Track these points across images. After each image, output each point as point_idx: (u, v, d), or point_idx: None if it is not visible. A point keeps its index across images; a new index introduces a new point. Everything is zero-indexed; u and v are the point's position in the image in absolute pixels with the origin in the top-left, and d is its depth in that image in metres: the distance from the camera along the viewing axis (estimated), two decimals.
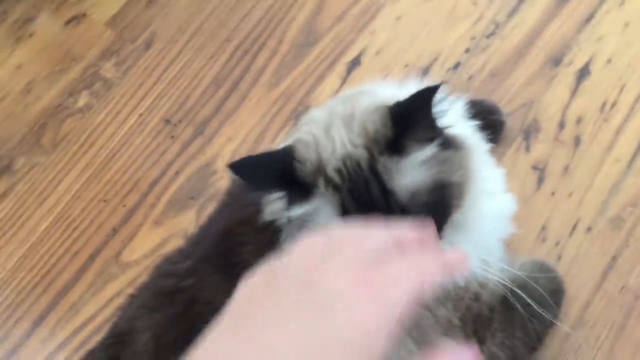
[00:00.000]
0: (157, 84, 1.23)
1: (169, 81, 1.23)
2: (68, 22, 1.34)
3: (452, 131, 0.69)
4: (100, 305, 1.06)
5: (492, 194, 0.76)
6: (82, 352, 1.02)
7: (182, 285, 0.80)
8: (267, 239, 0.75)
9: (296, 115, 1.15)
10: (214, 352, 0.40)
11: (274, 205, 0.75)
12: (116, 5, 1.34)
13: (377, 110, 0.68)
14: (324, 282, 0.41)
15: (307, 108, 1.15)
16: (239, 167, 0.65)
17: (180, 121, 1.19)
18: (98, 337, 1.00)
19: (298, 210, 0.67)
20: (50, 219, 1.14)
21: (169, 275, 0.84)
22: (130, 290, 0.99)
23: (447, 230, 0.69)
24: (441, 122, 0.68)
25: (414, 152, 0.65)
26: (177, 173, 1.15)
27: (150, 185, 1.15)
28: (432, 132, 0.66)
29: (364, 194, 0.65)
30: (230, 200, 0.92)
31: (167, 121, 1.20)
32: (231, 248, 0.77)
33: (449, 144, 0.67)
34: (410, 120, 0.64)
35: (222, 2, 1.29)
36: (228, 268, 0.77)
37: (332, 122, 0.70)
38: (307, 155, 0.67)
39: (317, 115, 0.75)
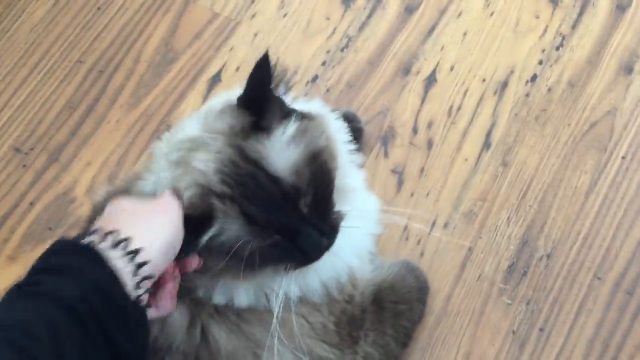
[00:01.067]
0: (4, 111, 1.16)
1: (17, 107, 1.16)
2: None
3: (304, 108, 0.73)
4: None
5: (357, 191, 0.79)
6: None
7: None
8: None
9: (158, 135, 1.13)
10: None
11: None
12: None
13: (221, 111, 0.69)
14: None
15: (169, 127, 1.12)
16: None
17: (32, 149, 1.12)
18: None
19: (204, 238, 0.65)
20: None
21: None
22: None
23: (336, 198, 0.70)
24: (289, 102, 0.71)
25: (276, 131, 0.67)
26: (31, 204, 1.08)
27: (1, 218, 1.07)
28: (283, 107, 0.68)
29: (256, 190, 0.64)
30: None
31: (17, 150, 1.12)
32: None
33: (304, 116, 0.70)
34: (258, 99, 0.66)
35: (71, 23, 1.23)
36: None
37: (180, 159, 0.68)
38: (190, 196, 0.65)
39: (161, 175, 0.70)
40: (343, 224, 0.71)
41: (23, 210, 1.07)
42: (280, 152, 0.66)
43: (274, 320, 0.71)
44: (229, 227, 0.65)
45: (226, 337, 0.73)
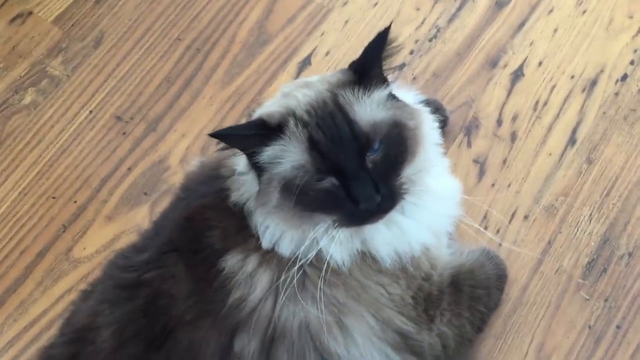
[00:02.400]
0: (108, 82, 1.23)
1: (119, 79, 1.23)
2: (13, 20, 1.32)
3: (401, 95, 0.80)
4: (51, 302, 1.05)
5: (440, 176, 0.82)
6: (33, 349, 1.01)
7: (144, 278, 0.80)
8: (235, 223, 0.78)
9: (249, 113, 1.18)
10: None
11: (243, 188, 0.77)
12: (63, 3, 1.33)
13: (337, 70, 0.79)
14: None
15: (259, 106, 1.17)
16: (218, 134, 0.72)
17: (132, 118, 1.19)
18: (49, 334, 1.00)
19: (269, 152, 0.72)
20: None
21: (128, 269, 0.84)
22: (82, 287, 0.98)
23: (406, 170, 0.74)
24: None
25: (371, 92, 0.74)
26: (129, 169, 1.15)
27: (101, 181, 1.14)
28: (384, 78, 0.76)
29: (330, 125, 0.71)
30: (185, 194, 0.93)
31: (119, 118, 1.20)
32: (197, 232, 0.78)
33: (399, 98, 0.77)
34: (366, 63, 0.74)
35: (173, 2, 1.30)
36: (193, 254, 0.78)
37: (290, 92, 0.78)
38: (273, 110, 0.75)
39: (269, 103, 0.81)
40: (413, 200, 0.75)
41: (121, 175, 1.14)
42: (367, 107, 0.73)
43: (294, 270, 0.74)
44: (290, 150, 0.71)
45: (308, 304, 0.76)
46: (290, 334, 0.74)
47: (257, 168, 0.74)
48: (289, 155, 0.71)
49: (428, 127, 0.80)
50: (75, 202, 1.12)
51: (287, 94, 0.78)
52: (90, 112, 1.20)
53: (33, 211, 1.12)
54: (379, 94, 0.75)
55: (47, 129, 1.20)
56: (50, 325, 1.02)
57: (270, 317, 0.74)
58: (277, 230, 0.77)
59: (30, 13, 1.33)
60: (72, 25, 1.30)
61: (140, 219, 1.10)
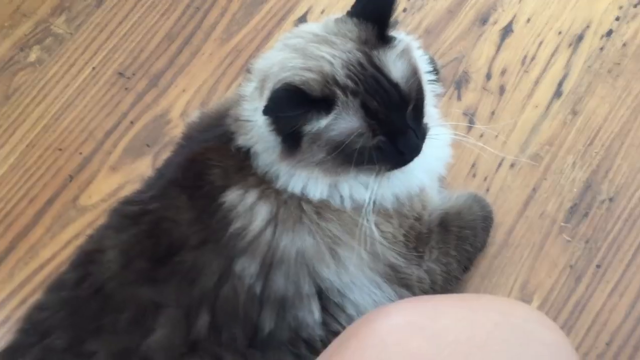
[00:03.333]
0: (110, 39, 1.27)
1: (121, 36, 1.27)
2: None
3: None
4: (59, 247, 1.10)
5: (432, 118, 0.86)
6: (40, 292, 1.05)
7: (148, 208, 0.85)
8: (235, 163, 0.82)
9: (247, 69, 1.22)
10: None
11: (252, 132, 0.81)
12: None
13: (341, 20, 0.79)
14: None
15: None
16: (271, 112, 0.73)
17: (134, 74, 1.24)
18: None
19: (320, 123, 0.74)
20: (5, 167, 1.16)
21: (132, 203, 0.90)
22: (88, 232, 1.03)
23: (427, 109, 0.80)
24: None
25: (393, 43, 0.77)
26: (132, 122, 1.20)
27: (106, 133, 1.19)
28: (393, 23, 0.78)
29: (378, 90, 0.74)
30: (187, 142, 0.98)
31: (121, 74, 1.24)
32: (199, 171, 0.83)
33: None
34: (382, 11, 0.76)
35: None
36: (195, 189, 0.83)
37: (306, 48, 0.77)
38: (306, 76, 0.74)
39: (273, 56, 0.82)
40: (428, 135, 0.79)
41: (124, 128, 1.19)
42: (395, 62, 0.76)
43: (361, 219, 0.80)
44: (345, 119, 0.74)
45: (304, 235, 0.81)
46: (288, 260, 0.79)
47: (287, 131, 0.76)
48: (341, 124, 0.74)
49: (419, 57, 0.84)
50: (81, 153, 1.17)
51: (297, 48, 0.77)
52: (94, 68, 1.25)
53: (40, 162, 1.17)
54: (400, 44, 0.78)
55: (52, 85, 1.24)
56: (58, 268, 1.07)
57: (269, 244, 0.79)
58: (309, 178, 0.81)
59: None
60: None
61: (144, 169, 1.15)
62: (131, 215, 0.86)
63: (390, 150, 0.76)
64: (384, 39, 0.78)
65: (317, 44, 0.77)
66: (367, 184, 0.80)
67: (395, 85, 0.75)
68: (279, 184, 0.81)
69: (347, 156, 0.75)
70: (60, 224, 1.12)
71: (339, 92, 0.74)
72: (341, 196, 0.82)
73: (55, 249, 1.10)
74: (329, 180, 0.80)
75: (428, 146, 0.86)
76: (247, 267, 0.78)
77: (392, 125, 0.75)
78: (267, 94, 0.77)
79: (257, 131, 0.81)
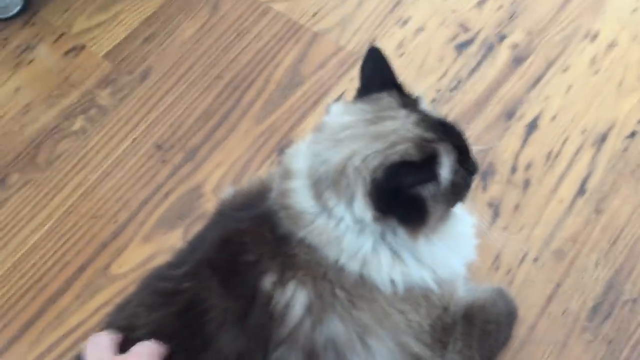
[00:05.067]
0: (151, 112, 1.33)
1: (162, 110, 1.34)
2: (67, 53, 1.44)
3: None
4: (87, 315, 1.12)
5: (461, 216, 0.89)
6: (69, 356, 1.08)
7: (180, 288, 0.86)
8: (271, 249, 0.83)
9: (280, 148, 1.27)
10: None
11: (311, 226, 0.82)
12: (114, 40, 1.45)
13: (375, 98, 0.84)
14: None
15: (290, 142, 1.27)
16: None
17: (172, 147, 1.29)
18: (84, 344, 1.06)
19: (440, 176, 0.78)
20: (42, 231, 1.21)
21: (165, 279, 0.91)
22: (117, 300, 1.06)
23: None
24: None
25: (419, 98, 0.86)
26: (166, 194, 1.24)
27: (140, 204, 1.23)
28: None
29: (447, 129, 0.82)
30: (220, 217, 1.01)
31: (159, 147, 1.29)
32: (233, 253, 0.85)
33: None
34: (390, 76, 0.87)
35: (215, 43, 1.41)
36: (228, 273, 0.85)
37: (367, 132, 0.80)
38: (403, 149, 0.78)
39: (324, 153, 0.83)
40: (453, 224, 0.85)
41: (159, 199, 1.23)
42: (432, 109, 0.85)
43: (392, 308, 0.82)
44: (446, 162, 0.78)
45: (336, 323, 0.83)
46: (322, 348, 0.81)
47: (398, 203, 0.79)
48: (446, 167, 0.79)
49: None
50: (115, 222, 1.21)
51: (364, 134, 0.80)
52: (134, 140, 1.30)
53: (76, 229, 1.21)
54: (420, 98, 0.87)
55: (93, 154, 1.29)
56: (85, 335, 1.10)
57: (307, 334, 0.81)
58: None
59: (84, 47, 1.44)
60: (122, 60, 1.41)
61: (175, 241, 1.18)
62: (164, 293, 0.87)
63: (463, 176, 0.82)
64: (412, 101, 0.84)
65: (376, 124, 0.80)
66: (428, 263, 0.84)
67: (450, 122, 0.83)
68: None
69: (454, 197, 0.81)
70: (90, 292, 1.14)
71: (433, 144, 0.78)
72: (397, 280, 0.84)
73: (83, 317, 1.12)
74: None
75: (461, 234, 0.89)
76: (287, 357, 0.80)
77: (466, 152, 0.82)
78: (359, 187, 0.78)
79: (325, 224, 0.82)
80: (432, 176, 0.78)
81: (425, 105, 0.85)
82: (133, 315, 0.87)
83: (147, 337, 0.82)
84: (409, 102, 0.84)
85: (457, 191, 0.82)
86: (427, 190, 0.79)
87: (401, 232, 0.81)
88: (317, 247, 0.83)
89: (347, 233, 0.82)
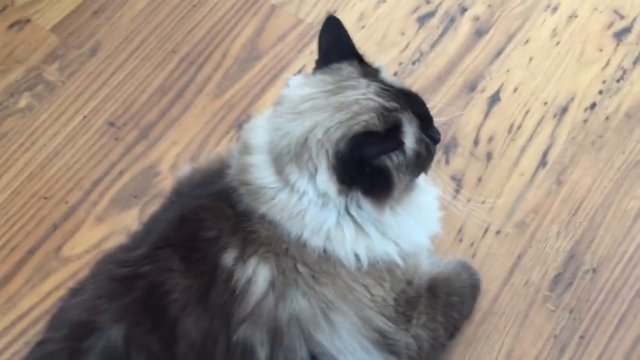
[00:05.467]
0: (102, 89, 1.28)
1: (114, 86, 1.28)
2: (11, 26, 1.36)
3: None
4: (39, 298, 1.07)
5: (425, 188, 0.88)
6: (20, 342, 1.03)
7: (139, 272, 0.81)
8: (230, 225, 0.81)
9: (239, 124, 1.23)
10: None
11: (273, 201, 0.80)
12: (61, 13, 1.38)
13: (335, 68, 0.83)
14: None
15: (249, 117, 1.23)
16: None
17: (125, 124, 1.24)
18: (35, 329, 1.02)
19: (405, 147, 0.78)
20: None
21: (122, 264, 0.86)
22: (70, 284, 1.01)
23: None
24: None
25: (380, 69, 0.86)
26: (120, 173, 1.19)
27: (93, 183, 1.18)
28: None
29: (409, 98, 0.82)
30: (178, 197, 0.97)
31: (112, 124, 1.24)
32: (192, 230, 0.82)
33: None
34: (350, 48, 0.86)
35: (168, 17, 1.36)
36: (188, 251, 0.82)
37: (330, 103, 0.78)
38: (365, 120, 0.76)
39: (287, 126, 0.80)
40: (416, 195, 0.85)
41: (112, 178, 1.18)
42: (393, 78, 0.86)
43: (355, 283, 0.80)
44: (410, 132, 0.77)
45: (299, 299, 0.81)
46: (285, 324, 0.78)
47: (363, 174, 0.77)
48: (411, 137, 0.78)
49: None
50: (67, 202, 1.16)
51: (327, 106, 0.78)
52: (84, 117, 1.24)
53: (24, 210, 1.15)
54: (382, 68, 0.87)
55: (40, 132, 1.23)
56: (37, 320, 1.05)
57: (270, 310, 0.78)
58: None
59: (29, 20, 1.37)
60: (69, 34, 1.35)
61: (130, 221, 1.14)
62: (123, 279, 0.83)
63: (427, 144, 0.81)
64: (371, 70, 0.83)
65: (337, 94, 0.78)
66: (392, 236, 0.82)
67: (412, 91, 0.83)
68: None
69: (419, 167, 0.81)
70: (41, 275, 1.09)
71: (396, 114, 0.77)
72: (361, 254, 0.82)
73: (35, 300, 1.07)
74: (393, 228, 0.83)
75: (425, 206, 0.88)
76: (252, 334, 0.77)
77: (429, 120, 0.82)
78: (322, 160, 0.76)
79: (287, 199, 0.80)
80: (397, 145, 0.76)
81: (386, 74, 0.83)
82: (92, 308, 0.82)
83: (110, 331, 0.78)
84: (369, 72, 0.83)
85: (421, 161, 0.81)
86: (391, 161, 0.77)
87: (366, 204, 0.79)
88: (279, 222, 0.81)
89: (309, 207, 0.80)
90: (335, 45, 0.84)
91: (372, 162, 0.76)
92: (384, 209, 0.80)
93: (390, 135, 0.76)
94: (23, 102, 1.27)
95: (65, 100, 1.26)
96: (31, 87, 1.28)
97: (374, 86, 0.79)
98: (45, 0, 1.38)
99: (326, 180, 0.77)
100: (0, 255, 1.11)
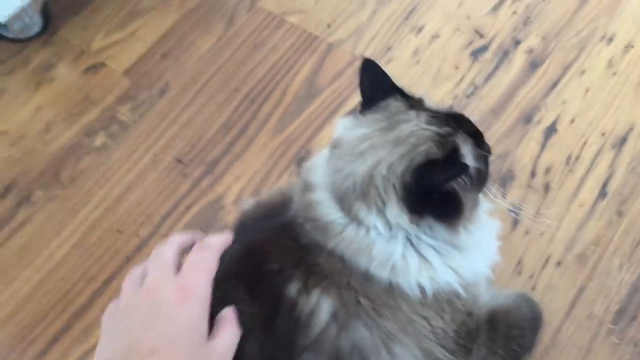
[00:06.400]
0: (171, 127, 1.35)
1: (181, 125, 1.35)
2: (87, 70, 1.46)
3: None
4: None
5: (485, 218, 0.90)
6: None
7: None
8: (293, 257, 0.84)
9: (298, 159, 1.28)
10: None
11: (341, 235, 0.82)
12: (132, 57, 1.47)
13: (384, 106, 0.85)
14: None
15: (308, 153, 1.28)
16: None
17: (191, 161, 1.30)
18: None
19: (472, 163, 0.80)
20: (68, 247, 1.22)
21: None
22: None
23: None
24: None
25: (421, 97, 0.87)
26: (188, 207, 1.25)
27: (162, 217, 1.24)
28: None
29: (456, 119, 0.83)
30: (242, 229, 1.02)
31: (179, 161, 1.31)
32: (256, 263, 0.86)
33: None
34: (389, 82, 0.87)
35: (231, 57, 1.43)
36: (253, 282, 0.86)
37: (387, 139, 0.81)
38: (424, 149, 0.79)
39: (347, 167, 0.83)
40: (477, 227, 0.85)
41: (180, 212, 1.25)
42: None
43: (415, 315, 0.82)
44: (468, 152, 0.79)
45: (361, 330, 0.83)
46: (347, 355, 0.81)
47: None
48: (469, 156, 0.80)
49: None
50: (138, 236, 1.23)
51: (384, 142, 0.80)
52: (154, 155, 1.32)
53: (100, 243, 1.22)
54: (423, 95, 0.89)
55: (114, 169, 1.31)
56: None
57: (333, 340, 0.81)
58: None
59: (103, 64, 1.47)
60: (140, 76, 1.43)
61: None
62: None
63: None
64: (416, 99, 0.85)
65: (392, 130, 0.81)
66: (455, 265, 0.84)
67: (457, 112, 0.85)
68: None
69: (481, 182, 0.82)
70: None
71: (451, 138, 0.79)
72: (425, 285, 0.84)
73: None
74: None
75: (485, 235, 0.89)
76: None
77: (480, 136, 0.84)
78: (391, 194, 0.78)
79: (355, 234, 0.82)
80: (463, 170, 0.78)
81: (429, 102, 0.86)
82: None
83: None
84: (415, 103, 0.85)
85: (482, 175, 0.83)
86: (457, 183, 0.79)
87: (439, 228, 0.81)
88: (346, 256, 0.83)
89: (377, 240, 0.82)
90: (377, 85, 0.87)
91: (440, 189, 0.78)
92: (458, 229, 0.82)
93: (452, 160, 0.78)
94: (98, 142, 1.35)
95: (137, 138, 1.35)
96: (106, 127, 1.37)
97: (423, 116, 0.81)
98: (118, 45, 1.48)
99: (397, 213, 0.79)
100: (78, 287, 1.18)
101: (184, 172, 1.29)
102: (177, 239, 0.76)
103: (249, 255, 0.89)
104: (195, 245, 0.76)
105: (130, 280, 0.75)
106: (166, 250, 0.74)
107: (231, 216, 1.22)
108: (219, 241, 0.78)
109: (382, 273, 0.82)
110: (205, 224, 1.23)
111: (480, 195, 0.86)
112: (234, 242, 0.99)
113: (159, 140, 1.34)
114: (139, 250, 1.21)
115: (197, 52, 1.45)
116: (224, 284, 0.88)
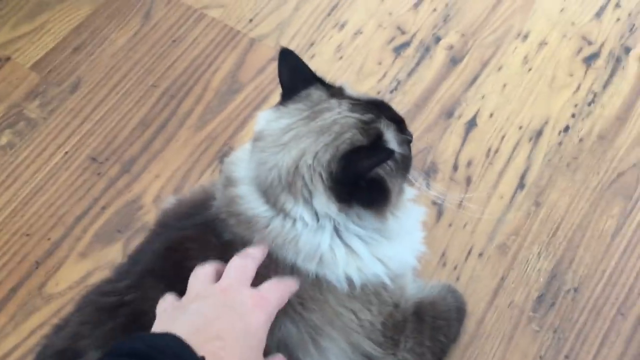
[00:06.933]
0: (84, 125, 1.28)
1: (95, 122, 1.29)
2: None
3: None
4: (23, 337, 1.06)
5: (411, 205, 0.89)
6: None
7: (125, 300, 0.82)
8: (216, 254, 0.81)
9: (221, 155, 1.24)
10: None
11: (266, 229, 0.80)
12: (41, 51, 1.39)
13: (305, 95, 0.84)
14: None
15: (231, 149, 1.24)
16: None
17: (107, 159, 1.24)
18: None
19: (396, 148, 0.80)
20: None
21: (108, 294, 0.87)
22: (54, 321, 1.00)
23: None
24: None
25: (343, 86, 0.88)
26: (103, 208, 1.19)
27: (76, 219, 1.17)
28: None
29: (379, 106, 0.85)
30: (162, 229, 0.97)
31: (94, 159, 1.24)
32: (178, 261, 0.82)
33: None
34: (310, 73, 0.87)
35: (149, 51, 1.37)
36: (173, 280, 0.82)
37: (312, 128, 0.80)
38: (349, 137, 0.78)
39: (272, 159, 0.81)
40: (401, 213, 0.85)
41: (95, 213, 1.18)
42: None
43: (342, 308, 0.81)
44: (391, 137, 0.79)
45: (288, 325, 0.81)
46: (273, 349, 0.78)
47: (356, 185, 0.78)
48: (393, 142, 0.80)
49: None
50: (49, 239, 1.15)
51: (309, 132, 0.79)
52: (66, 153, 1.25)
53: (6, 248, 1.14)
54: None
55: (22, 169, 1.23)
56: (21, 359, 1.03)
57: None
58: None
59: (8, 58, 1.37)
60: (50, 71, 1.36)
61: (114, 256, 1.13)
62: (107, 308, 0.83)
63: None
64: (337, 87, 0.86)
65: (315, 119, 0.80)
66: (381, 255, 0.83)
67: (378, 99, 0.86)
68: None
69: (405, 168, 0.83)
70: (24, 313, 1.08)
71: (376, 125, 0.79)
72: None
73: (19, 339, 1.06)
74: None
75: (411, 220, 0.89)
76: None
77: (402, 122, 0.85)
78: (318, 183, 0.77)
79: (281, 226, 0.80)
80: (388, 155, 0.78)
81: (350, 90, 0.86)
82: (76, 334, 0.82)
83: (92, 355, 0.79)
84: (335, 92, 0.85)
85: (407, 161, 0.83)
86: (384, 169, 0.79)
87: (367, 216, 0.80)
88: (271, 250, 0.81)
89: (303, 232, 0.80)
90: (296, 74, 0.86)
91: (366, 176, 0.77)
92: (386, 215, 0.82)
93: (377, 146, 0.78)
94: (4, 140, 1.27)
95: (47, 136, 1.27)
96: (12, 124, 1.28)
97: (345, 104, 0.81)
98: (25, 38, 1.39)
99: (325, 202, 0.78)
100: None
101: (99, 171, 1.23)
102: (257, 254, 0.79)
103: (169, 253, 0.85)
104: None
105: (195, 277, 0.77)
106: (248, 263, 0.77)
107: (150, 216, 1.16)
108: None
109: (309, 266, 0.80)
110: (123, 225, 1.17)
111: (405, 184, 0.86)
112: (154, 240, 0.95)
113: (71, 137, 1.26)
114: (50, 254, 1.14)
115: (112, 47, 1.39)
116: (143, 284, 0.84)
